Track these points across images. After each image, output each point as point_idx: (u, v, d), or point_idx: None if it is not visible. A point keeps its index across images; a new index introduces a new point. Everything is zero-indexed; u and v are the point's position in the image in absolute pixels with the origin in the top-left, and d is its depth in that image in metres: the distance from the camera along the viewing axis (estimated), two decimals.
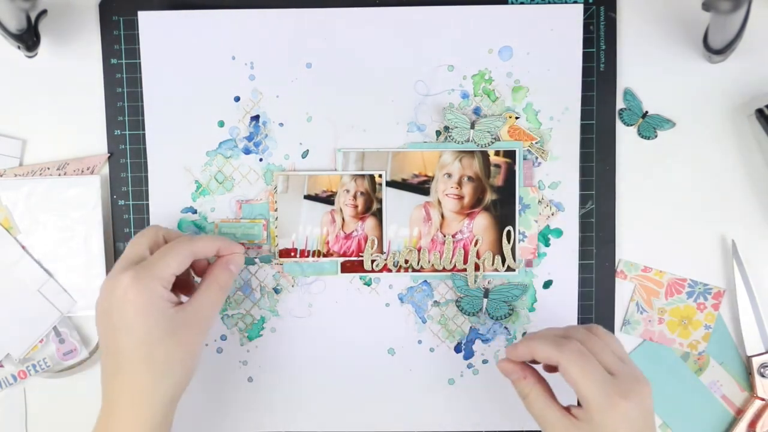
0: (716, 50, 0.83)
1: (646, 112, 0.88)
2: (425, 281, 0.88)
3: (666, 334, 0.89)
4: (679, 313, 0.88)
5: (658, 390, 0.89)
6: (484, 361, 0.89)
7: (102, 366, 0.78)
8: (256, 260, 0.88)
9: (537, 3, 0.86)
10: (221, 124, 0.88)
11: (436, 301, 0.89)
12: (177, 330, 0.76)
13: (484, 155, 0.87)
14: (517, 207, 0.87)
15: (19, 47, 0.83)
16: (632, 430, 0.72)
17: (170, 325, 0.75)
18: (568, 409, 0.75)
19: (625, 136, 0.88)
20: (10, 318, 0.88)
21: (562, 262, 0.88)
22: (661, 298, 0.89)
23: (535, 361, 0.78)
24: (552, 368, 0.78)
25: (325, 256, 0.88)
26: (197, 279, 0.83)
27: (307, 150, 0.88)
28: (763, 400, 0.88)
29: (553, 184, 0.87)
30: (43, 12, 0.85)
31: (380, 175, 0.87)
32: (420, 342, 0.89)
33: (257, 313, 0.89)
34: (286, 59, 0.87)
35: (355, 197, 0.87)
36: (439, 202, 0.87)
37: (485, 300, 0.88)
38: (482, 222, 0.87)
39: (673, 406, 0.89)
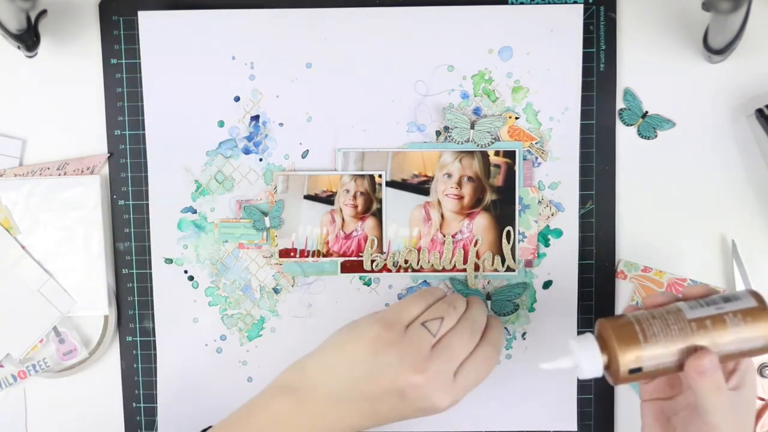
0: (716, 50, 0.83)
1: (646, 112, 0.88)
2: (425, 281, 0.88)
3: None
4: None
5: None
6: None
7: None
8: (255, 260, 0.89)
9: (537, 3, 0.86)
10: (221, 124, 0.88)
11: None
12: None
13: (484, 155, 0.87)
14: (517, 207, 0.87)
15: (19, 47, 0.83)
16: None
17: None
18: None
19: (625, 136, 0.88)
20: (10, 318, 0.88)
21: (562, 262, 0.88)
22: None
23: None
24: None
25: (324, 256, 0.88)
26: None
27: (307, 150, 0.88)
28: (763, 400, 0.88)
29: (553, 185, 0.87)
30: (43, 12, 0.85)
31: (380, 175, 0.87)
32: None
33: (257, 313, 0.89)
34: (286, 59, 0.87)
35: (355, 197, 0.87)
36: (439, 203, 0.87)
37: (489, 302, 0.88)
38: (482, 222, 0.87)
39: None
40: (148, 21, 0.87)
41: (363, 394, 0.74)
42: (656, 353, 0.69)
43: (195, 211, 0.89)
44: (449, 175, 0.87)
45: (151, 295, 0.89)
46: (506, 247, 0.87)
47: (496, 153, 0.87)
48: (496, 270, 0.87)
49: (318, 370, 0.76)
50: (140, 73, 0.88)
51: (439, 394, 0.74)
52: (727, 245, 0.88)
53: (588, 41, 0.87)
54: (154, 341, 0.89)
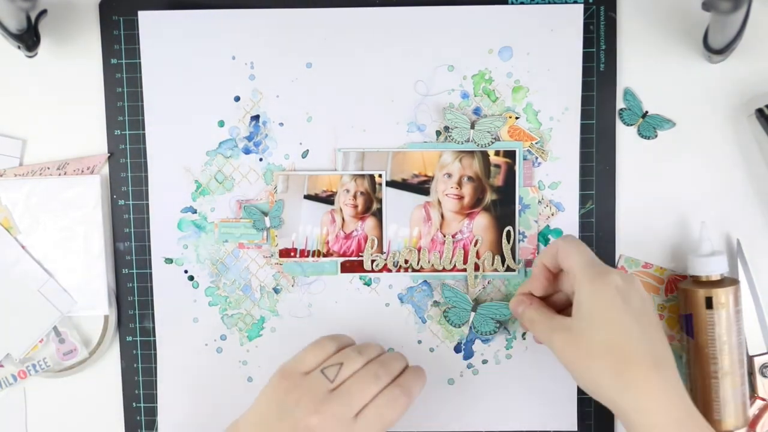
0: (716, 50, 0.83)
1: (646, 112, 0.88)
2: (425, 281, 0.88)
3: (666, 331, 0.88)
4: (679, 309, 0.88)
5: None
6: (484, 361, 0.89)
7: None
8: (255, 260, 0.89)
9: (537, 3, 0.86)
10: (221, 124, 0.88)
11: (436, 301, 0.89)
12: None
13: (484, 155, 0.87)
14: (517, 207, 0.87)
15: (19, 47, 0.83)
16: (622, 301, 0.73)
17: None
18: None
19: (625, 136, 0.88)
20: (10, 318, 0.88)
21: None
22: (661, 294, 0.89)
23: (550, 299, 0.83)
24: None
25: (325, 256, 0.88)
26: None
27: (307, 150, 0.88)
28: (763, 400, 0.88)
29: (553, 184, 0.87)
30: (43, 12, 0.85)
31: (380, 175, 0.87)
32: (420, 342, 0.89)
33: (257, 313, 0.89)
34: (286, 59, 0.87)
35: (355, 197, 0.87)
36: (439, 202, 0.87)
37: (472, 314, 0.88)
38: (482, 222, 0.87)
39: None
40: (148, 21, 0.87)
41: None
42: None
43: (195, 211, 0.89)
44: (449, 175, 0.87)
45: (151, 295, 0.89)
46: (506, 247, 0.87)
47: (496, 153, 0.87)
48: (496, 270, 0.87)
49: (246, 426, 0.78)
50: (140, 73, 0.88)
51: None
52: (729, 245, 0.88)
53: (588, 41, 0.87)
54: (154, 341, 0.89)
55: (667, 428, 0.71)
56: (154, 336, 0.89)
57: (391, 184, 0.87)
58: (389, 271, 0.88)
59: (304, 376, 0.77)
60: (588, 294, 0.74)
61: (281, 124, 0.88)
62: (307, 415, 0.74)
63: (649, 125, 0.88)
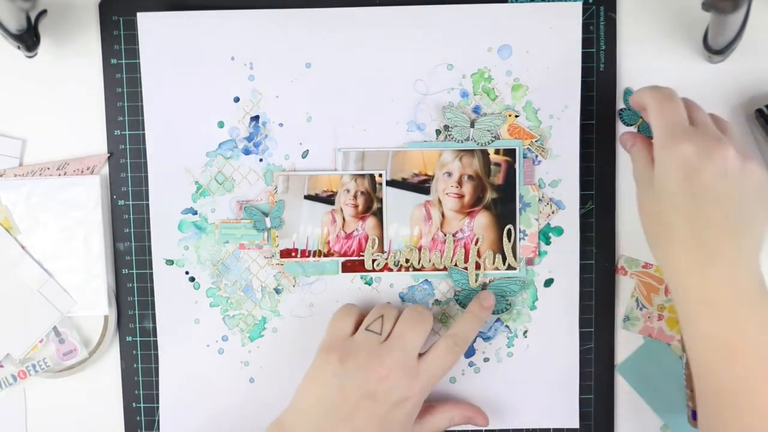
0: (716, 50, 0.83)
1: None
2: (426, 280, 0.88)
3: (665, 331, 0.88)
4: None
5: (657, 390, 0.89)
6: (486, 360, 0.89)
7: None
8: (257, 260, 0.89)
9: (536, 1, 0.86)
10: (221, 124, 0.88)
11: (437, 300, 0.89)
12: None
13: (484, 154, 0.87)
14: (518, 205, 0.87)
15: (19, 47, 0.83)
16: (684, 178, 0.72)
17: None
18: None
19: None
20: (10, 318, 0.88)
21: (563, 260, 0.88)
22: (660, 294, 0.88)
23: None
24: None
25: (326, 255, 0.88)
26: None
27: (307, 150, 0.88)
28: None
29: (553, 182, 0.87)
30: (43, 12, 0.85)
31: (380, 175, 0.87)
32: None
33: (258, 314, 0.89)
34: (285, 59, 0.87)
35: (355, 197, 0.87)
36: (440, 201, 0.87)
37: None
38: (483, 221, 0.87)
39: (672, 406, 0.89)
40: (147, 22, 0.87)
41: (338, 417, 0.77)
42: None
43: (195, 212, 0.89)
44: (449, 174, 0.87)
45: (152, 295, 0.89)
46: (507, 246, 0.87)
47: (496, 151, 0.87)
48: (497, 268, 0.87)
49: (293, 418, 0.80)
50: (140, 73, 0.88)
51: (405, 380, 0.78)
52: None
53: (588, 41, 0.87)
54: (155, 341, 0.89)
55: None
56: (155, 336, 0.89)
57: (392, 183, 0.87)
58: (390, 270, 0.88)
59: (351, 339, 0.80)
60: (659, 160, 0.74)
61: (281, 125, 0.88)
62: (375, 368, 0.77)
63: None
